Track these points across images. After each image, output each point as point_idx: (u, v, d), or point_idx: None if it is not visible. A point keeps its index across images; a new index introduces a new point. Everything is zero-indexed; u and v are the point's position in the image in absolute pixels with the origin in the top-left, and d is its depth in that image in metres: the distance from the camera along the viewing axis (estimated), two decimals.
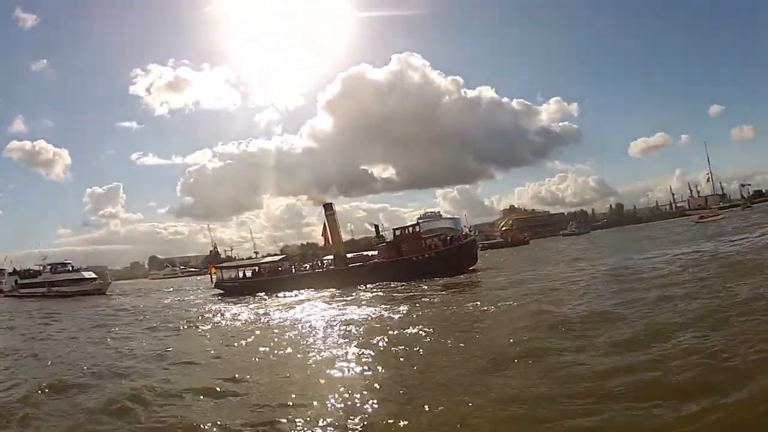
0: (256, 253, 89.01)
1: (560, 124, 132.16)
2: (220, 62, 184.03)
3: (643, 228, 67.40)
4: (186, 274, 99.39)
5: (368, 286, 25.41)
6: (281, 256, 42.18)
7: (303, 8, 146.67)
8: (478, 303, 13.98)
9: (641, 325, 8.60)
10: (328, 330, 12.32)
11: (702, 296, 10.33)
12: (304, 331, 12.70)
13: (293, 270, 33.97)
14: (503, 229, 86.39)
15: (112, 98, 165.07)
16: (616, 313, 9.88)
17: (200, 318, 18.99)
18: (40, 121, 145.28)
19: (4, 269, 64.96)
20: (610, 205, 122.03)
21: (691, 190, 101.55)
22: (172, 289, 47.86)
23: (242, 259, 79.76)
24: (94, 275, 50.78)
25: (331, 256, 33.16)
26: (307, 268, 34.02)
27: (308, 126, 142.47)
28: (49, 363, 11.05)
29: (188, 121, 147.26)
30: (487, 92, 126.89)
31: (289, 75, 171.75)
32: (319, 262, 34.47)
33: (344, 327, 12.34)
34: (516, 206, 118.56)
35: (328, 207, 32.92)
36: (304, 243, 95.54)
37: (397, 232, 30.85)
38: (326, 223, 32.68)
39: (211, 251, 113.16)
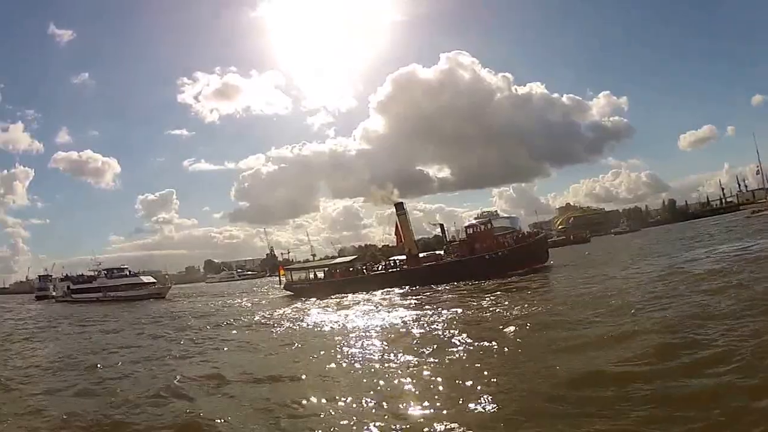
0: (314, 255, 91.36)
1: (611, 118, 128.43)
2: (269, 67, 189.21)
3: (696, 224, 65.83)
4: (243, 278, 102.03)
5: (442, 285, 25.71)
6: (353, 257, 43.13)
7: (349, 10, 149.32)
8: (565, 303, 13.99)
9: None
10: (424, 331, 12.06)
11: None
12: (397, 334, 12.27)
13: (365, 271, 34.44)
14: (560, 227, 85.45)
15: (161, 107, 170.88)
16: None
17: (285, 319, 18.78)
18: (86, 132, 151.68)
19: (51, 275, 66.24)
20: (663, 201, 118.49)
21: (739, 184, 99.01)
22: (235, 292, 47.50)
23: (299, 262, 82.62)
24: (153, 279, 50.86)
25: (402, 256, 33.70)
26: (380, 268, 34.51)
27: (361, 128, 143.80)
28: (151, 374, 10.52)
29: (239, 127, 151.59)
30: (537, 88, 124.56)
31: (339, 77, 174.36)
32: (391, 261, 34.87)
33: (439, 329, 12.12)
34: (571, 204, 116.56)
35: (399, 207, 33.33)
36: (362, 245, 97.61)
37: (470, 231, 31.20)
38: (398, 223, 33.19)
39: (267, 254, 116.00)
